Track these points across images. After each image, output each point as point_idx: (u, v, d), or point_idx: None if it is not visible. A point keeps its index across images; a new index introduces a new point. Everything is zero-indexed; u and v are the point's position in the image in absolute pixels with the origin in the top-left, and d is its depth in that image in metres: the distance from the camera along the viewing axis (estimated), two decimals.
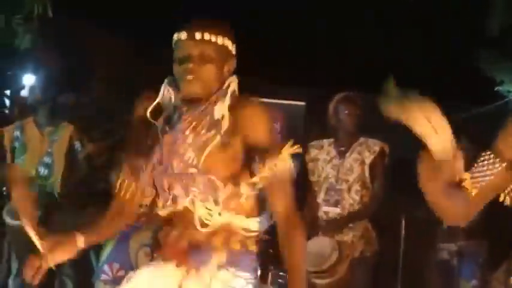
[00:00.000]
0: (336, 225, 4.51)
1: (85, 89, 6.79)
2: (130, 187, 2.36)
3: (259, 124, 2.18)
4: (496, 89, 7.82)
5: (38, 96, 4.75)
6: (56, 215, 4.46)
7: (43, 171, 4.50)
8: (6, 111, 5.86)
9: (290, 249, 2.18)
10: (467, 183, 1.94)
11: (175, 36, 2.18)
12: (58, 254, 2.26)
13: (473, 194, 1.92)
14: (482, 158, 2.00)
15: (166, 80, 2.27)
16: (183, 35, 2.14)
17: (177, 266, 2.25)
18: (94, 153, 4.70)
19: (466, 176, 2.03)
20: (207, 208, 2.22)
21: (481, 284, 4.70)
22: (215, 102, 2.18)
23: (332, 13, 9.09)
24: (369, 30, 9.13)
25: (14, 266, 4.57)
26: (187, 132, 2.21)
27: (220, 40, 2.15)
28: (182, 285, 2.24)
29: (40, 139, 4.56)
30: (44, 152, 4.54)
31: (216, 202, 2.20)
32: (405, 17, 8.52)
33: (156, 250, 2.39)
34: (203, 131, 2.20)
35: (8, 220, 4.45)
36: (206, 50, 2.13)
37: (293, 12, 8.83)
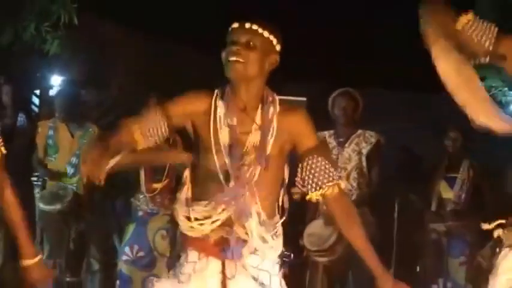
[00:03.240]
0: None
1: (110, 90, 7.14)
2: (134, 132, 2.32)
3: (308, 132, 2.33)
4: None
5: (64, 98, 5.13)
6: (79, 209, 4.88)
7: (70, 170, 4.84)
8: (36, 110, 6.14)
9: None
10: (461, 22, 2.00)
11: (230, 28, 2.29)
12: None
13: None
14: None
15: (216, 91, 2.34)
16: (235, 25, 2.26)
17: (214, 257, 2.30)
18: None
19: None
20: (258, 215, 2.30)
21: (467, 260, 4.86)
22: (263, 109, 2.30)
23: (332, 10, 9.13)
24: (368, 27, 9.10)
25: (46, 248, 4.83)
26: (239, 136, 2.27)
27: (266, 33, 2.24)
28: (226, 274, 2.30)
29: (70, 141, 4.95)
30: (73, 153, 4.91)
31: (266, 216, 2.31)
32: (400, 14, 8.61)
33: (189, 244, 2.40)
34: (260, 133, 2.29)
35: (41, 206, 4.76)
36: (252, 38, 2.22)
37: (295, 10, 8.85)
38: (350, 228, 2.40)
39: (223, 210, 2.29)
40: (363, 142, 4.76)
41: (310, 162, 2.36)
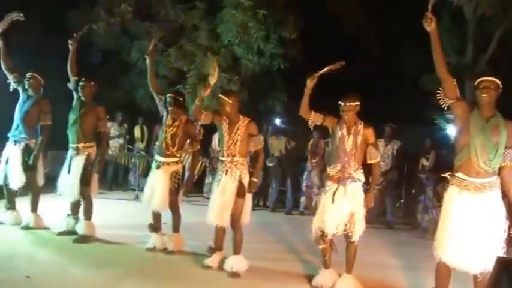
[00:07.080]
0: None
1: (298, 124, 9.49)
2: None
3: (371, 136, 4.50)
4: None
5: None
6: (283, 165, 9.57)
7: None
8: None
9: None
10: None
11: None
12: None
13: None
14: None
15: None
16: (342, 103, 4.44)
17: (336, 183, 4.46)
18: (289, 145, 9.83)
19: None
20: (353, 170, 4.45)
21: (434, 187, 7.85)
22: (355, 128, 4.44)
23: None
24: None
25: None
26: (347, 138, 4.45)
27: (356, 104, 4.42)
28: (337, 190, 4.49)
29: (278, 143, 9.62)
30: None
31: (355, 169, 4.46)
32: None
33: (328, 179, 4.63)
34: (353, 138, 4.41)
35: (267, 163, 9.41)
36: (350, 108, 4.39)
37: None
38: (372, 175, 4.50)
39: (338, 164, 4.43)
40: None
41: (368, 149, 4.48)
